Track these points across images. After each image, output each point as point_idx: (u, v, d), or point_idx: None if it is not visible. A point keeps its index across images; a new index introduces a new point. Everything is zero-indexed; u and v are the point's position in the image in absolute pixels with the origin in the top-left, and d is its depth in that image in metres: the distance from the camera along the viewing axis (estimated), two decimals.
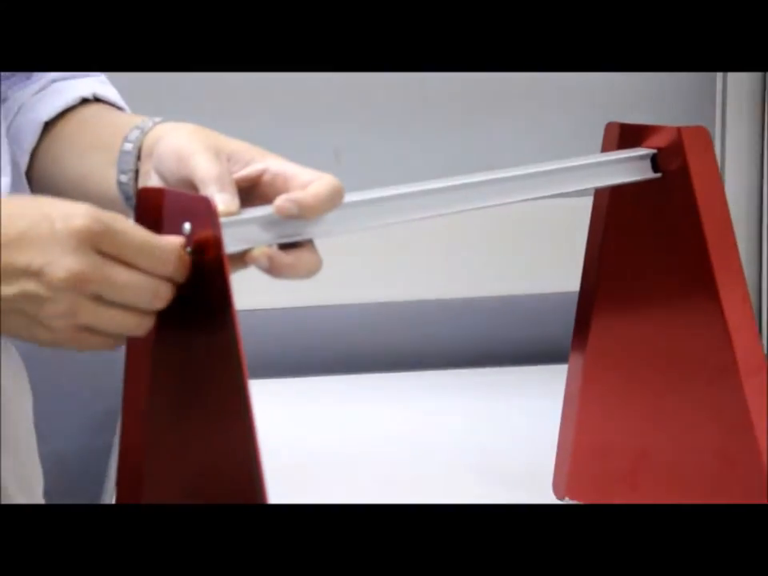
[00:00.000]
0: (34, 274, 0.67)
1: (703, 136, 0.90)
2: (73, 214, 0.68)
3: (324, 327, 1.32)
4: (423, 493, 1.04)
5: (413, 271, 1.31)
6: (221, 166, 0.76)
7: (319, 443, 1.15)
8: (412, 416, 1.20)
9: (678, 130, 0.89)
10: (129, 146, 0.80)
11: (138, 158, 0.81)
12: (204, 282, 0.70)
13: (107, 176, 0.82)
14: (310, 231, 0.76)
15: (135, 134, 0.81)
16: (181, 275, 0.70)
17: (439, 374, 1.30)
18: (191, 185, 0.76)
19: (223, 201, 0.74)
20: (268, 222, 0.75)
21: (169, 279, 0.70)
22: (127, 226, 0.69)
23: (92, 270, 0.67)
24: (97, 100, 0.86)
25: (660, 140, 0.90)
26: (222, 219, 0.70)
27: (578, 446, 0.98)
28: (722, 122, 1.30)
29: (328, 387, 1.28)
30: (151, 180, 0.79)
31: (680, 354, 0.93)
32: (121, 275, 0.68)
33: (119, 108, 0.87)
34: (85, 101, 0.85)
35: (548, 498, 1.00)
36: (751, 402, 0.90)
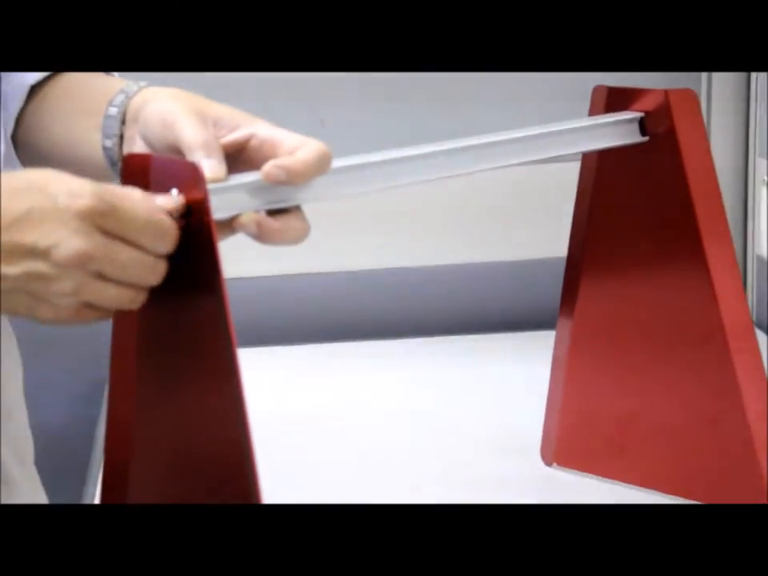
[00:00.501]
0: (41, 253, 0.67)
1: (690, 98, 0.90)
2: (77, 193, 0.68)
3: (307, 295, 1.32)
4: (406, 460, 1.03)
5: (397, 239, 1.31)
6: (207, 132, 0.76)
7: (304, 410, 1.14)
8: (397, 383, 1.19)
9: (666, 92, 0.89)
10: (113, 111, 0.80)
11: (123, 122, 0.80)
12: (191, 249, 0.70)
13: (93, 140, 0.81)
14: (298, 197, 0.76)
15: (120, 98, 0.80)
16: (172, 249, 0.70)
17: (425, 341, 1.30)
18: (177, 150, 0.76)
19: (210, 167, 0.74)
20: (255, 188, 0.75)
21: (164, 255, 0.70)
22: (130, 204, 0.69)
23: (97, 249, 0.68)
24: None
25: (647, 103, 0.90)
26: (209, 185, 0.70)
27: (565, 412, 0.99)
28: (708, 101, 1.30)
29: (312, 355, 1.27)
30: (136, 145, 0.79)
31: (667, 318, 0.93)
32: (123, 253, 0.69)
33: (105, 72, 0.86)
34: None
35: (536, 464, 1.00)
36: (738, 365, 0.90)
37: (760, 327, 1.29)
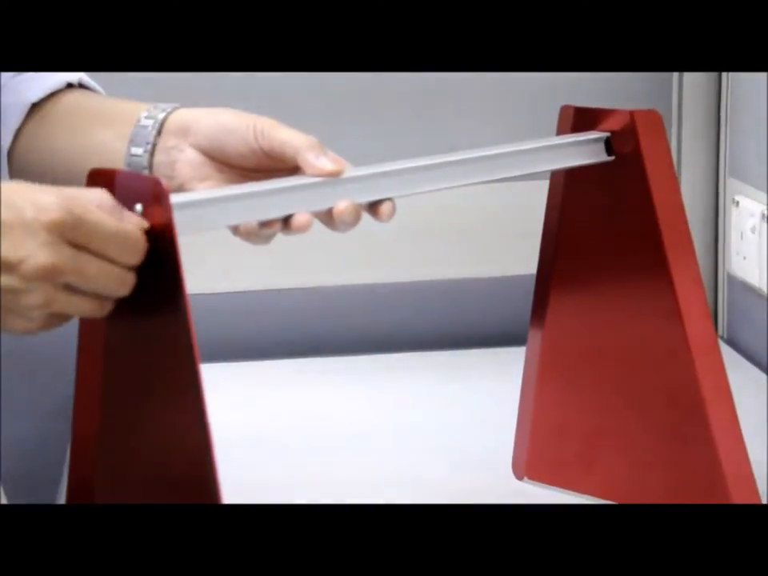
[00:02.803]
0: (10, 267, 0.68)
1: (655, 119, 0.91)
2: (44, 207, 0.69)
3: (280, 310, 1.32)
4: (376, 474, 1.04)
5: (370, 255, 1.31)
6: (302, 133, 0.82)
7: (275, 425, 1.14)
8: (374, 398, 1.20)
9: (631, 113, 0.90)
10: (148, 122, 0.84)
11: (159, 133, 0.84)
12: (155, 265, 0.71)
13: (110, 149, 0.85)
14: (269, 212, 0.77)
15: (153, 111, 0.84)
16: (141, 260, 0.71)
17: (401, 356, 1.30)
18: (267, 156, 0.81)
19: (335, 161, 0.80)
20: (223, 203, 0.75)
21: (133, 267, 0.71)
22: (98, 217, 0.70)
23: (65, 263, 0.69)
24: (80, 86, 0.89)
25: (613, 123, 0.91)
26: (173, 201, 0.70)
27: (535, 427, 0.99)
28: (678, 123, 1.31)
29: (285, 370, 1.27)
30: (184, 154, 0.83)
31: (634, 334, 0.94)
32: (92, 265, 0.70)
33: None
34: (69, 86, 0.88)
35: (508, 478, 1.01)
36: (703, 382, 0.90)
37: (730, 345, 1.30)
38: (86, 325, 0.73)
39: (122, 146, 0.85)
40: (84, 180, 0.73)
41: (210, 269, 1.30)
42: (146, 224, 0.70)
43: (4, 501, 0.94)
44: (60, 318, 0.72)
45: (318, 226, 0.82)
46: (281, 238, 0.82)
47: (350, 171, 0.81)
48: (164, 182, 0.70)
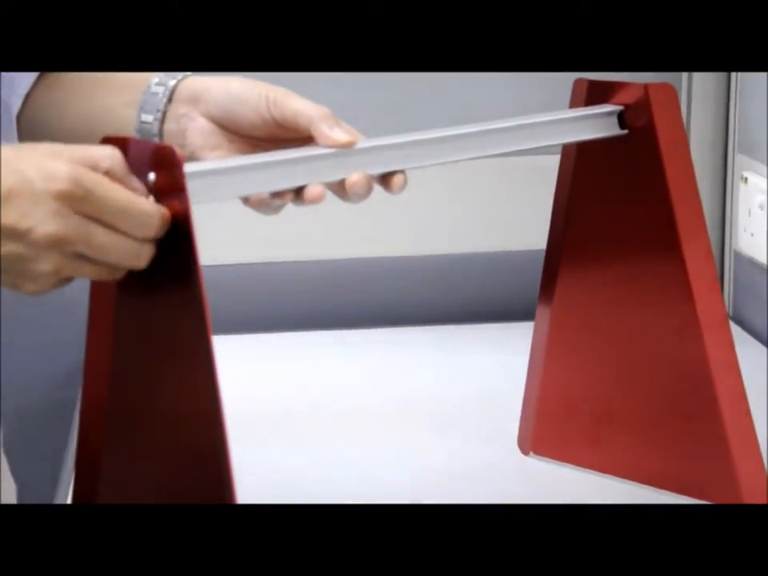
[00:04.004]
0: (19, 235, 0.68)
1: (669, 93, 0.90)
2: (53, 177, 0.69)
3: (284, 283, 1.31)
4: (382, 450, 1.04)
5: (374, 229, 1.31)
6: (315, 104, 0.81)
7: (279, 397, 1.14)
8: (380, 372, 1.19)
9: (645, 86, 0.89)
10: (159, 89, 0.84)
11: (170, 100, 0.84)
12: (168, 234, 0.70)
13: (120, 116, 0.84)
14: (282, 183, 0.77)
15: (164, 78, 0.84)
16: (159, 233, 0.71)
17: (403, 330, 1.29)
18: (279, 125, 0.81)
19: (349, 132, 0.80)
20: (237, 173, 0.75)
21: (151, 240, 0.71)
22: (108, 189, 0.70)
23: (74, 232, 0.69)
24: None
25: (627, 97, 0.90)
26: (187, 170, 0.70)
27: (542, 402, 0.99)
28: (688, 99, 1.31)
29: (290, 343, 1.27)
30: (195, 122, 0.83)
31: (643, 310, 0.94)
32: (102, 237, 0.69)
33: None
34: None
35: (514, 453, 1.01)
36: (712, 357, 0.90)
37: (737, 322, 1.30)
38: (97, 294, 0.73)
39: (132, 113, 0.84)
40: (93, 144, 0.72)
41: (205, 241, 1.29)
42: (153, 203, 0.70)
43: (6, 471, 0.93)
44: (69, 280, 0.72)
45: (327, 198, 0.82)
46: (281, 213, 0.81)
47: (363, 143, 0.81)
48: (178, 151, 0.70)
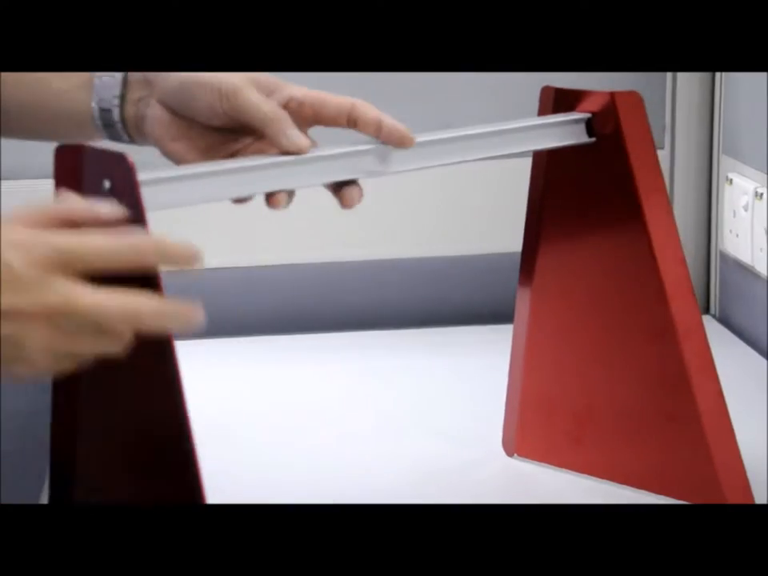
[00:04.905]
0: (4, 315, 0.65)
1: (635, 100, 0.91)
2: (29, 248, 0.65)
3: (273, 287, 1.31)
4: (367, 451, 1.04)
5: (363, 232, 1.30)
6: (271, 102, 0.78)
7: (274, 400, 1.14)
8: (362, 375, 1.19)
9: (611, 94, 0.90)
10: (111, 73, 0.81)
11: (124, 83, 0.81)
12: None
13: (74, 98, 0.82)
14: (236, 191, 0.76)
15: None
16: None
17: (389, 333, 1.29)
18: (233, 118, 0.78)
19: (298, 137, 0.77)
20: (190, 180, 0.75)
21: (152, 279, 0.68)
22: (91, 246, 0.66)
23: (59, 301, 0.66)
24: None
25: (594, 104, 0.91)
26: (141, 177, 0.69)
27: (524, 404, 1.00)
28: (672, 100, 1.31)
29: (276, 347, 1.27)
30: (152, 110, 0.81)
31: (620, 312, 0.94)
32: (87, 297, 0.66)
33: None
34: None
35: (498, 455, 1.02)
36: (688, 360, 0.91)
37: (722, 322, 1.30)
38: None
39: (84, 96, 0.82)
40: (52, 132, 0.71)
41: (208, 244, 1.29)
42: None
43: None
44: (70, 360, 0.67)
45: (312, 202, 0.82)
46: (268, 216, 0.81)
47: (320, 150, 0.80)
48: (130, 159, 0.69)
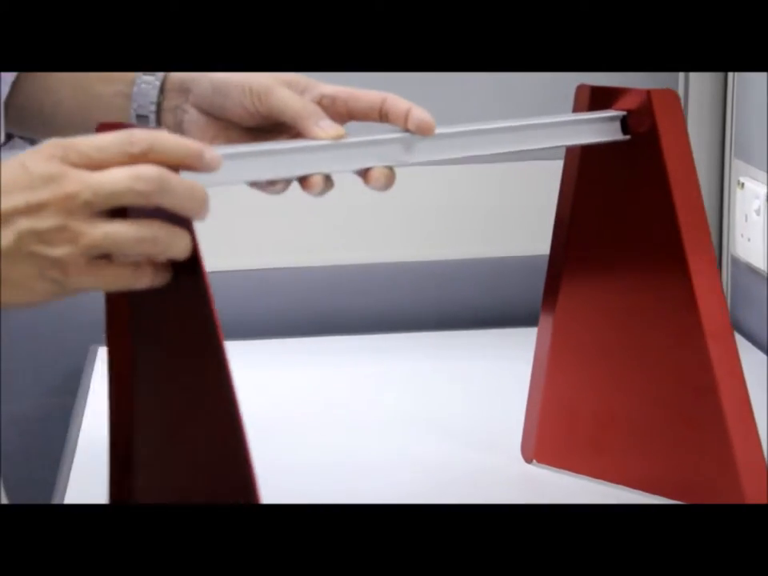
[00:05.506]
0: (22, 212, 0.66)
1: (672, 98, 0.90)
2: (35, 151, 0.67)
3: (284, 290, 1.31)
4: (384, 456, 1.03)
5: (374, 235, 1.31)
6: (303, 99, 0.80)
7: (287, 403, 1.14)
8: (382, 378, 1.19)
9: (648, 92, 0.89)
10: (150, 79, 0.84)
11: (161, 91, 0.84)
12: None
13: (112, 104, 0.85)
14: (272, 173, 0.76)
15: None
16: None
17: (403, 336, 1.29)
18: (266, 118, 0.80)
19: (331, 126, 0.79)
20: (233, 160, 0.75)
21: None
22: (87, 139, 0.68)
23: (71, 182, 0.66)
24: None
25: (630, 102, 0.90)
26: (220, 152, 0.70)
27: (545, 410, 0.99)
28: (684, 104, 1.31)
29: (287, 350, 1.27)
30: (188, 114, 0.83)
31: (647, 317, 0.93)
32: (103, 176, 0.67)
33: None
34: None
35: (517, 461, 1.00)
36: (716, 365, 0.90)
37: (734, 328, 1.30)
38: (111, 309, 0.72)
39: (123, 103, 0.85)
40: (88, 131, 0.71)
41: (207, 247, 1.28)
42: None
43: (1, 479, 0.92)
44: (107, 264, 0.68)
45: (320, 204, 0.82)
46: (280, 219, 0.81)
47: (352, 137, 0.80)
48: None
